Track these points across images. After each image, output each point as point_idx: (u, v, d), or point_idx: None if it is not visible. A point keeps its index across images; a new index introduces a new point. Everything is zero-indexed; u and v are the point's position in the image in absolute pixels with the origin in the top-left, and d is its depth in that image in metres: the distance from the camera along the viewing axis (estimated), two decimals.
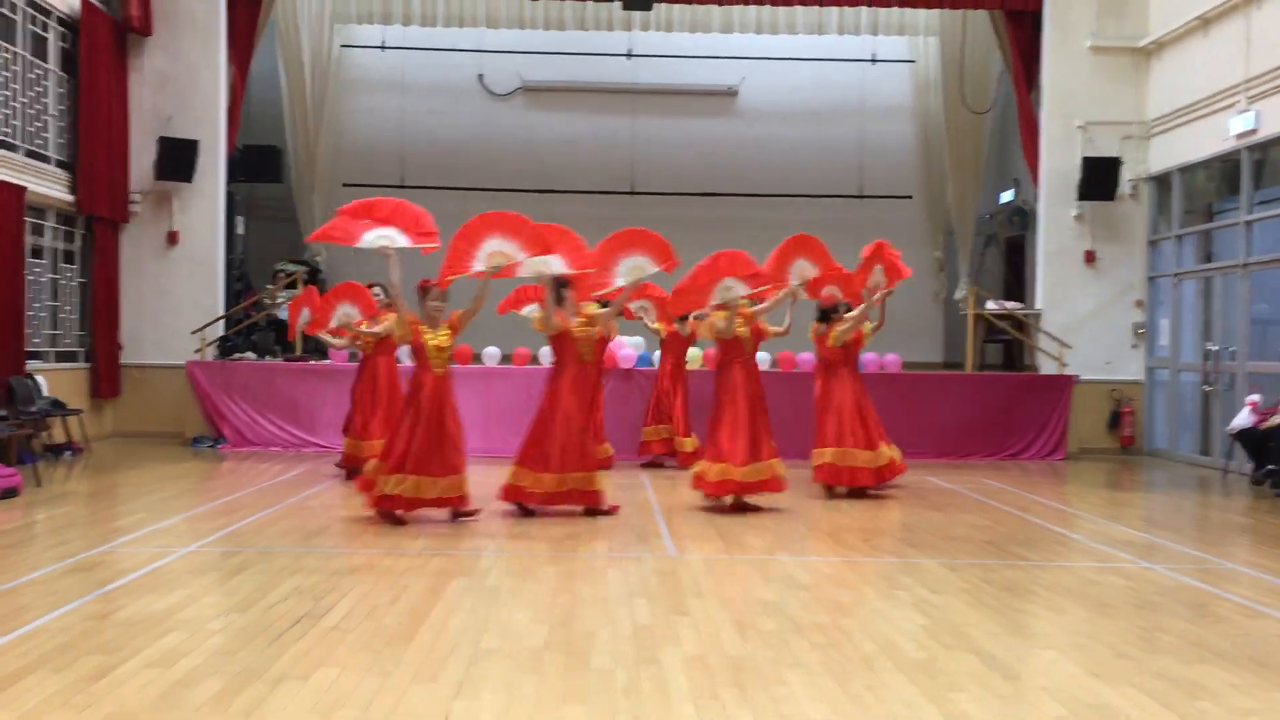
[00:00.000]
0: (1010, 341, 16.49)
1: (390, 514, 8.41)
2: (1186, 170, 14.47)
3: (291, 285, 15.36)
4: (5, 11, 12.24)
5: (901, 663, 5.02)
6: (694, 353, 13.61)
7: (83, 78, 13.54)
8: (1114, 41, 15.13)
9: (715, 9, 16.75)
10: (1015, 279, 18.27)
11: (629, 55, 18.42)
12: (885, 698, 4.55)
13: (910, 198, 18.85)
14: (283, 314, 14.81)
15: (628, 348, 13.60)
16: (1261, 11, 12.51)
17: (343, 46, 18.19)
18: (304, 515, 8.82)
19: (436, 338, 8.49)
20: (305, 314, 11.14)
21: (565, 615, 5.79)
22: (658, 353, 12.91)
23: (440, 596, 6.16)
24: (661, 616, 5.80)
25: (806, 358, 13.44)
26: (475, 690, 4.54)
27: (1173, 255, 14.79)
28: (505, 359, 14.21)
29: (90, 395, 13.93)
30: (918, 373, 14.98)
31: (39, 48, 13.02)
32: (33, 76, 12.85)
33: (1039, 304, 15.41)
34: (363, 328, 10.68)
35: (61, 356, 13.63)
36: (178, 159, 14.51)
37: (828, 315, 10.37)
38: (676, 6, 16.60)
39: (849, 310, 10.35)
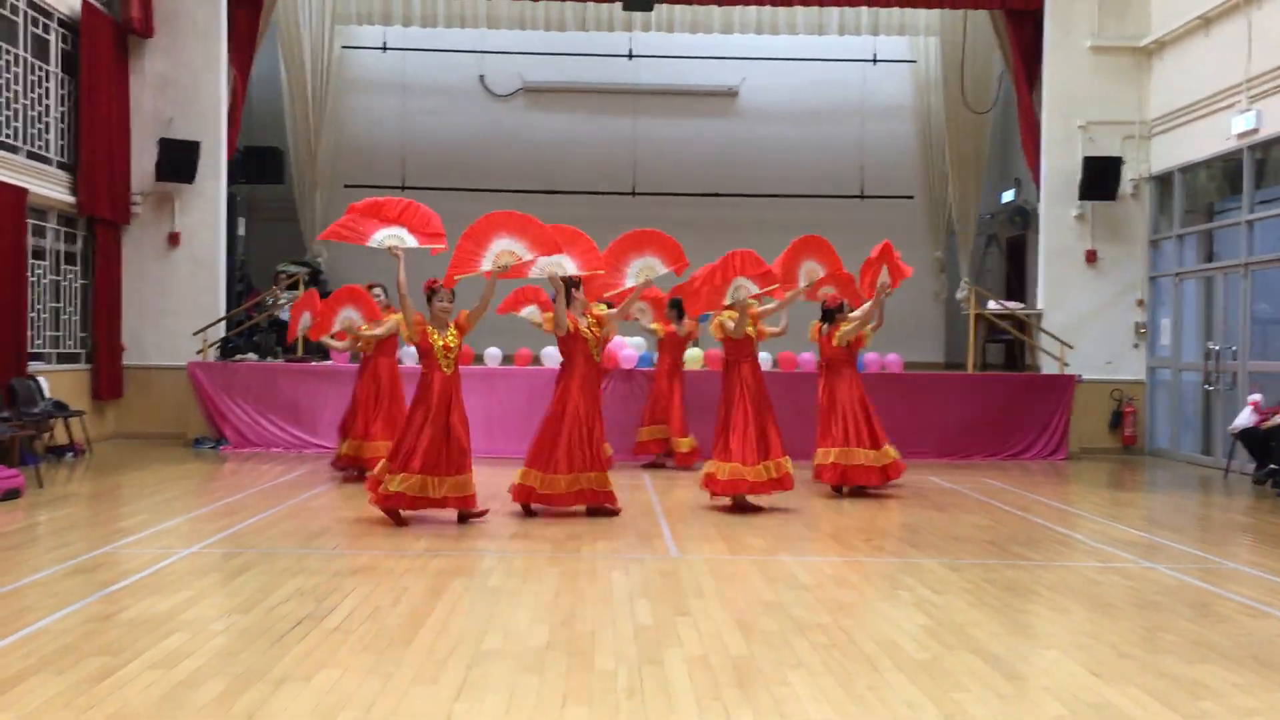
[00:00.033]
0: (1011, 341, 16.48)
1: (395, 513, 8.42)
2: (1188, 170, 14.46)
3: (293, 286, 15.37)
4: (6, 13, 12.25)
5: (903, 663, 5.03)
6: (695, 353, 13.61)
7: (84, 79, 13.55)
8: (1115, 41, 15.13)
9: (716, 9, 16.76)
10: (1016, 279, 18.28)
11: (630, 56, 18.42)
12: (887, 698, 4.55)
13: (911, 198, 18.85)
14: (284, 315, 14.82)
15: (628, 348, 13.60)
16: (1262, 11, 12.50)
17: (344, 47, 18.19)
18: (306, 516, 8.83)
19: (444, 338, 8.50)
20: (306, 318, 11.14)
21: (567, 616, 5.79)
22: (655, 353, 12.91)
23: (442, 597, 6.16)
24: (663, 617, 5.80)
25: (807, 358, 13.46)
26: (477, 691, 4.54)
27: (1174, 255, 14.78)
28: (507, 360, 14.21)
29: (92, 396, 13.93)
30: (919, 373, 14.98)
31: (40, 49, 13.03)
32: (34, 78, 12.86)
33: (1040, 304, 15.41)
34: (364, 331, 10.68)
35: (63, 358, 13.64)
36: (179, 160, 14.52)
37: (831, 315, 10.38)
38: (677, 7, 16.60)
39: (850, 310, 10.39)
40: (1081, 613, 6.09)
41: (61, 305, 13.67)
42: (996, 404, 13.99)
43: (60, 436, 12.57)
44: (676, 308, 12.03)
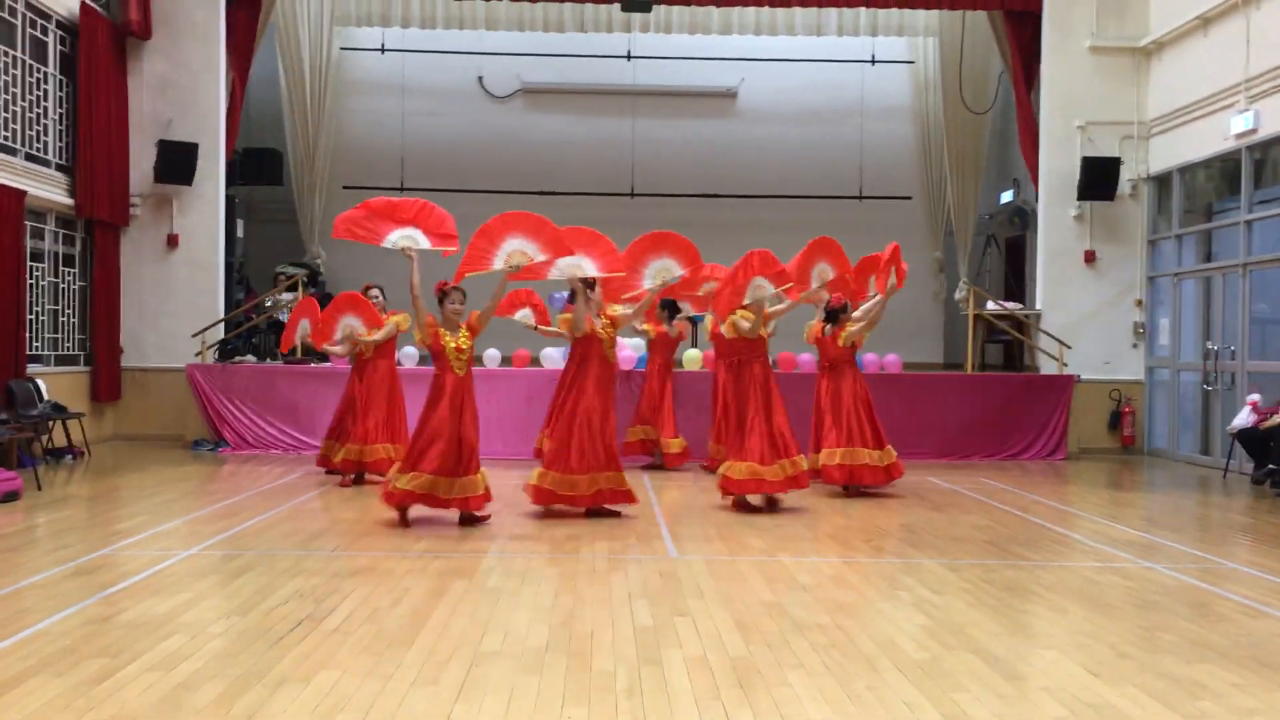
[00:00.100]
0: (1010, 342, 16.48)
1: (403, 512, 8.44)
2: (1186, 170, 14.47)
3: (292, 288, 15.37)
4: (4, 15, 12.25)
5: (903, 663, 5.03)
6: (693, 354, 13.60)
7: (82, 81, 13.55)
8: (1114, 41, 15.13)
9: (714, 10, 16.77)
10: (1015, 279, 18.29)
11: (628, 57, 18.42)
12: (887, 698, 4.55)
13: (910, 198, 18.85)
14: (283, 317, 14.81)
15: (627, 349, 13.59)
16: (1261, 11, 12.52)
17: (342, 49, 18.18)
18: (305, 518, 8.83)
19: (457, 340, 8.49)
20: (305, 325, 11.12)
21: (566, 617, 5.79)
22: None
23: (441, 599, 6.15)
24: (663, 617, 5.80)
25: (807, 358, 13.45)
26: (477, 693, 4.54)
27: (1173, 255, 14.79)
28: (505, 361, 14.21)
29: (91, 398, 13.93)
30: (918, 373, 14.97)
31: (39, 51, 13.03)
32: (33, 80, 12.86)
33: (1039, 304, 15.41)
34: (365, 338, 10.65)
35: (62, 360, 13.63)
36: (177, 162, 14.51)
37: (836, 315, 10.37)
38: (675, 8, 16.61)
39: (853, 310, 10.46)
40: (1080, 613, 6.09)
41: (60, 307, 13.67)
42: (995, 404, 13.99)
43: (59, 439, 12.56)
44: (667, 308, 12.03)
